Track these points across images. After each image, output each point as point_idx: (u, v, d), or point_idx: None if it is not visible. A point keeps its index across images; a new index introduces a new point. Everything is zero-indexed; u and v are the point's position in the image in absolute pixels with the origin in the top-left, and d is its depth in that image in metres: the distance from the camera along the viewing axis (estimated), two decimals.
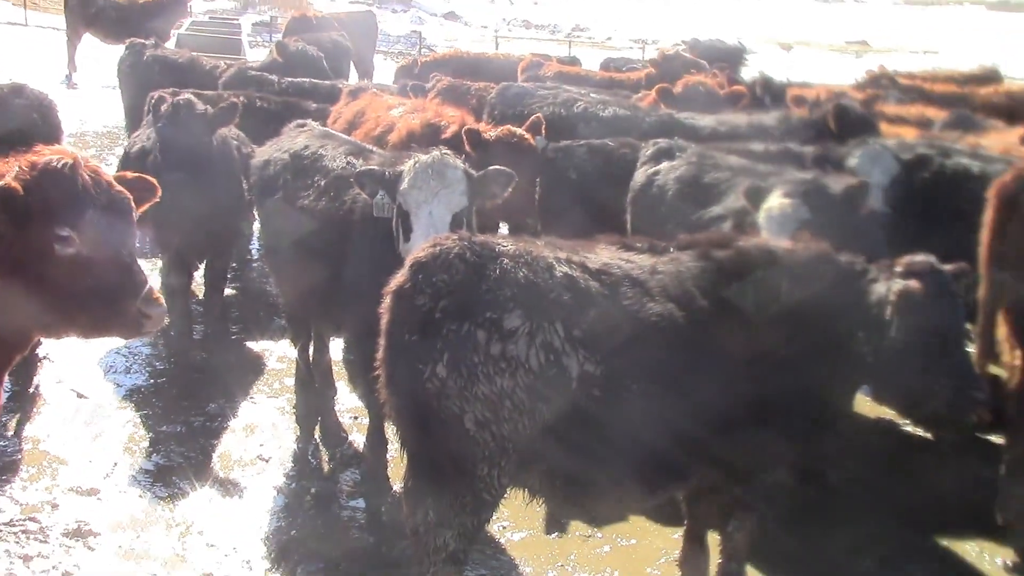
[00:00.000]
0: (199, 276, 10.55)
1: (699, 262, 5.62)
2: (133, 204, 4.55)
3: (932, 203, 8.17)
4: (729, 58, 19.83)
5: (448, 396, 5.02)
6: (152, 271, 11.76)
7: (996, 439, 7.75)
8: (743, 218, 7.64)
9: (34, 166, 4.32)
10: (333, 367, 8.71)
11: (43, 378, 9.11)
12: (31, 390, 8.84)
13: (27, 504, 7.06)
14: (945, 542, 7.05)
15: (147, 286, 4.39)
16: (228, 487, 7.48)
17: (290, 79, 14.67)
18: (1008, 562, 6.77)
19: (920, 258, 5.72)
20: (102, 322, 4.45)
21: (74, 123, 20.22)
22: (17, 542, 6.59)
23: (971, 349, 7.20)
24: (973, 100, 14.06)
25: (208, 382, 9.21)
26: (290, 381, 8.84)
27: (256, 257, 12.63)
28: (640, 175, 8.73)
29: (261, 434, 8.39)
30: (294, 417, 8.45)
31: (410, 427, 5.33)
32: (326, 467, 7.97)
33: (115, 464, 7.71)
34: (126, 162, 10.10)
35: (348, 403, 8.75)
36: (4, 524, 6.78)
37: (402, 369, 5.19)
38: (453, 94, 13.51)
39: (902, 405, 8.11)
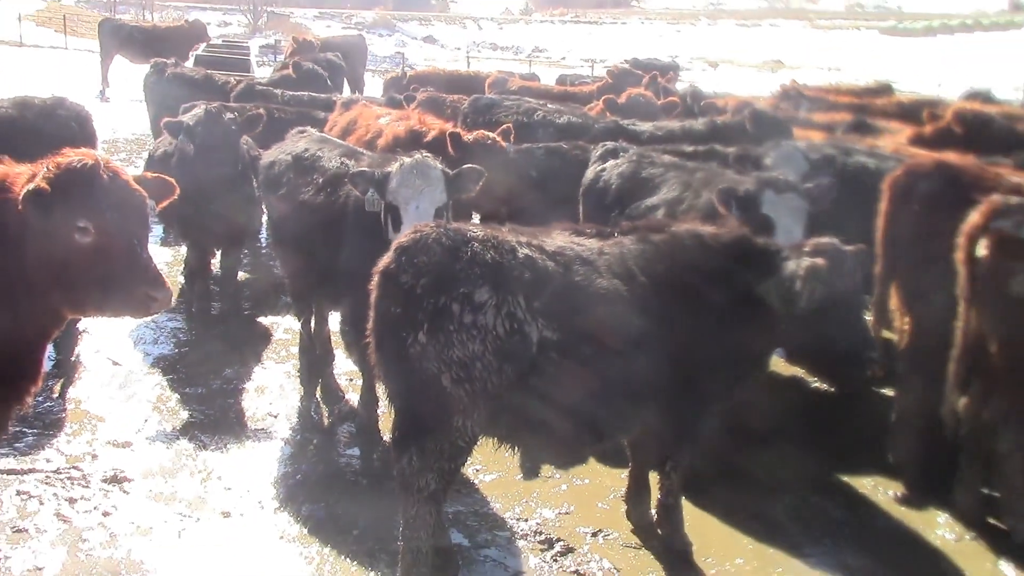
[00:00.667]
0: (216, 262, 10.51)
1: (638, 245, 5.69)
2: (148, 201, 4.53)
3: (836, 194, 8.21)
4: (664, 74, 19.83)
5: (428, 359, 5.04)
6: (176, 258, 11.72)
7: (888, 392, 7.82)
8: (675, 207, 7.67)
9: (59, 167, 4.30)
10: (331, 337, 8.68)
11: (82, 348, 9.05)
12: (72, 359, 8.77)
13: (71, 455, 7.02)
14: (847, 479, 7.10)
15: (155, 272, 4.38)
16: (243, 439, 7.45)
17: (291, 93, 14.59)
18: (897, 493, 6.83)
19: (825, 240, 5.77)
20: (115, 302, 4.43)
21: (107, 131, 20.04)
22: (63, 487, 6.55)
23: (868, 317, 7.28)
24: (870, 109, 14.13)
25: (225, 351, 9.18)
26: (295, 349, 8.80)
27: (265, 245, 12.55)
28: (590, 172, 8.74)
29: (270, 394, 8.36)
30: (298, 380, 8.42)
31: (396, 386, 5.34)
32: (326, 421, 7.96)
33: (146, 421, 7.67)
34: (151, 164, 10.06)
35: (344, 367, 8.72)
36: (52, 472, 6.74)
37: (389, 337, 5.20)
38: (432, 105, 13.48)
39: (810, 364, 8.23)
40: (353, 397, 8.13)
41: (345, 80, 23.07)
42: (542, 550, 6.05)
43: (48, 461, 6.91)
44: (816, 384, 8.77)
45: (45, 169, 4.30)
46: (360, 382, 7.75)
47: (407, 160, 6.69)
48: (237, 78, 17.41)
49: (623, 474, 6.52)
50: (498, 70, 23.60)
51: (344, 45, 27.08)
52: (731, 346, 5.60)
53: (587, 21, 76.61)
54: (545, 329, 5.15)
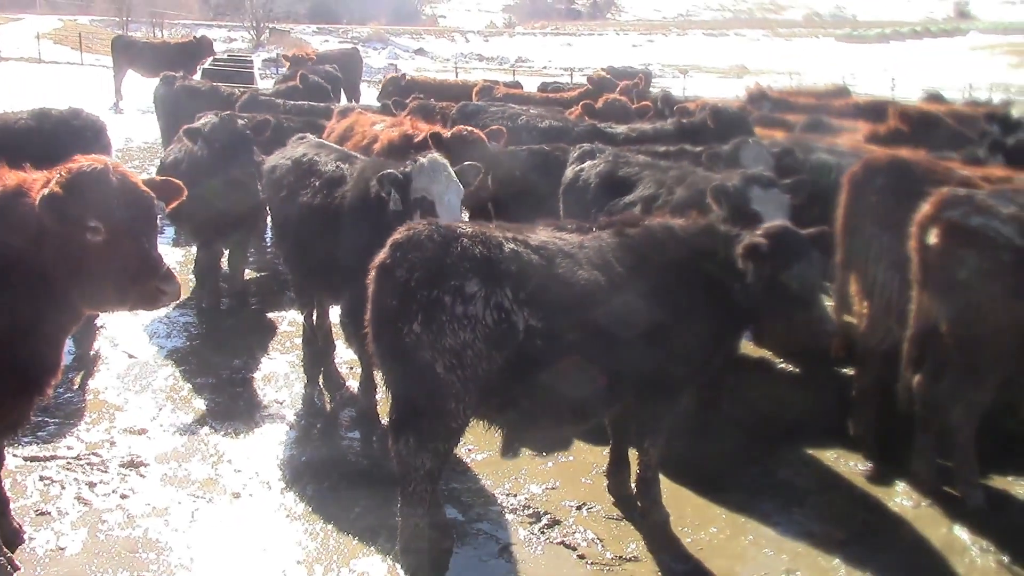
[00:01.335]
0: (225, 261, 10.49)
1: (615, 238, 5.66)
2: (157, 202, 4.50)
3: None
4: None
5: (422, 347, 5.01)
6: (187, 257, 11.66)
7: (848, 372, 7.82)
8: (650, 204, 7.66)
9: (70, 172, 4.30)
10: (332, 329, 8.64)
11: (100, 343, 8.99)
12: (91, 353, 8.72)
13: (90, 442, 6.96)
14: (811, 452, 7.10)
15: (164, 267, 4.35)
16: (251, 425, 7.41)
17: (292, 102, 14.51)
18: (858, 465, 6.85)
19: (776, 223, 5.77)
20: (127, 296, 4.40)
21: (121, 141, 19.93)
22: (84, 472, 6.50)
23: (830, 302, 7.27)
24: (828, 110, 14.15)
25: (234, 343, 9.12)
26: (298, 341, 8.76)
27: (269, 243, 12.49)
28: (570, 172, 8.70)
29: (276, 383, 8.31)
30: (302, 369, 8.37)
31: (393, 373, 5.32)
32: (328, 407, 7.91)
33: (160, 409, 7.61)
34: (162, 170, 9.98)
35: (345, 356, 8.68)
36: (73, 458, 6.69)
37: (386, 328, 5.17)
38: (423, 111, 13.39)
39: (774, 341, 8.26)
40: (353, 384, 8.09)
41: (342, 90, 22.98)
42: (530, 523, 6.03)
43: (69, 448, 6.86)
44: (782, 365, 8.79)
45: (58, 175, 4.28)
46: (360, 370, 7.72)
47: (424, 160, 6.70)
48: (241, 89, 17.30)
49: (605, 451, 6.50)
50: (484, 79, 23.47)
51: (341, 58, 26.98)
52: (703, 328, 5.59)
53: (566, 33, 76.60)
54: (531, 318, 5.13)
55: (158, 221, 4.63)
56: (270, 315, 10.20)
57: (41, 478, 6.38)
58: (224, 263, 10.45)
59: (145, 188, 4.43)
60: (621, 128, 10.98)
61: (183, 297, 10.45)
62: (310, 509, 6.16)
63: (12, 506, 5.70)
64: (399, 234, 5.23)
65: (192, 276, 10.51)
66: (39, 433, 7.00)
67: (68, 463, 6.63)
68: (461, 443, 6.05)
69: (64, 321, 4.60)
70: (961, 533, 5.98)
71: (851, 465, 6.89)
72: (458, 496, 6.35)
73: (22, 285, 4.39)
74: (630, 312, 5.34)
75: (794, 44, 69.76)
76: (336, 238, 7.16)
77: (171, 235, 13.03)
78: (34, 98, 19.14)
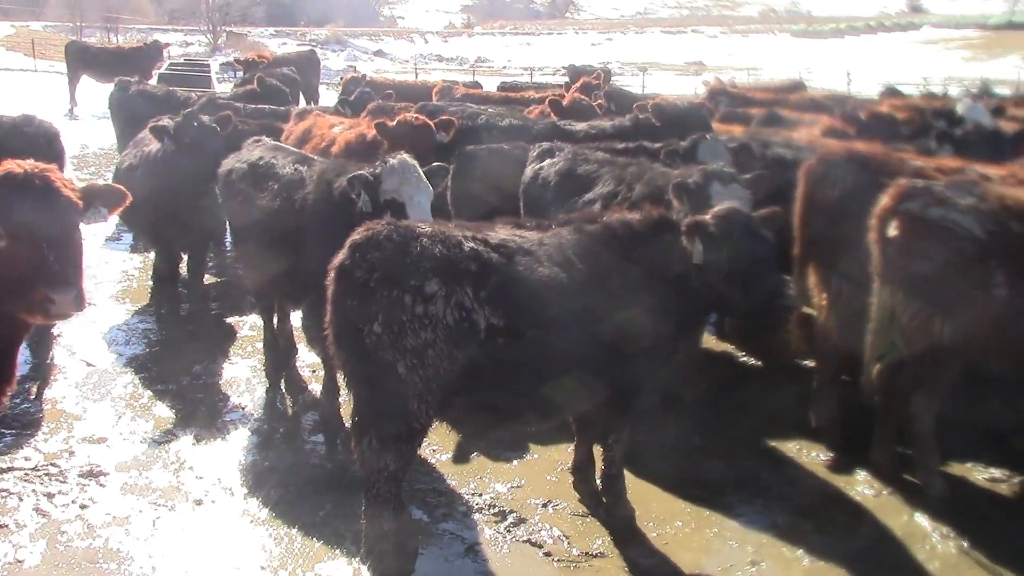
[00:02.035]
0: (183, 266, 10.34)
1: (575, 235, 5.66)
2: (77, 207, 4.33)
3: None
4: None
5: (383, 348, 4.98)
6: (145, 263, 11.52)
7: (809, 363, 7.88)
8: (610, 201, 7.67)
9: None
10: (294, 332, 8.57)
11: (57, 351, 8.85)
12: (48, 361, 8.58)
13: (48, 452, 6.85)
14: (773, 442, 7.15)
15: (63, 276, 4.09)
16: (213, 431, 7.32)
17: (252, 106, 14.37)
18: (820, 455, 6.90)
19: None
20: (16, 303, 4.21)
21: (76, 147, 19.70)
22: (42, 483, 6.39)
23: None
24: (785, 104, 14.28)
25: (194, 349, 9.00)
26: (259, 345, 8.68)
27: (228, 248, 12.36)
28: (529, 170, 8.69)
29: (238, 387, 8.23)
30: (264, 373, 8.29)
31: (355, 375, 5.27)
32: (291, 411, 7.84)
33: (120, 417, 7.50)
34: (118, 176, 9.82)
35: (307, 359, 8.62)
36: (30, 469, 6.58)
37: (346, 329, 5.13)
38: (382, 113, 13.31)
39: (736, 326, 8.28)
40: (316, 388, 8.01)
41: (301, 93, 22.81)
42: (496, 522, 6.02)
43: (26, 459, 6.74)
44: (744, 358, 8.85)
45: None
46: (322, 373, 7.65)
47: (394, 161, 6.67)
48: (199, 93, 17.11)
49: (569, 448, 6.51)
50: (444, 79, 23.46)
51: (299, 60, 26.82)
52: (665, 320, 5.59)
53: (525, 32, 76.69)
54: (492, 316, 5.11)
55: (79, 229, 4.34)
56: (230, 320, 10.10)
57: None
58: (183, 268, 10.33)
59: (67, 194, 4.27)
60: (581, 125, 10.99)
61: (142, 303, 10.36)
62: (274, 514, 6.10)
63: None
64: (357, 234, 5.19)
65: (151, 281, 10.37)
66: None
67: (26, 474, 6.51)
68: (425, 443, 6.04)
69: (9, 332, 4.45)
70: (922, 520, 6.05)
71: (813, 456, 6.95)
72: (423, 496, 6.32)
73: None
74: (591, 308, 5.35)
75: (751, 40, 70.34)
76: (297, 241, 7.10)
77: (129, 241, 12.87)
78: None
